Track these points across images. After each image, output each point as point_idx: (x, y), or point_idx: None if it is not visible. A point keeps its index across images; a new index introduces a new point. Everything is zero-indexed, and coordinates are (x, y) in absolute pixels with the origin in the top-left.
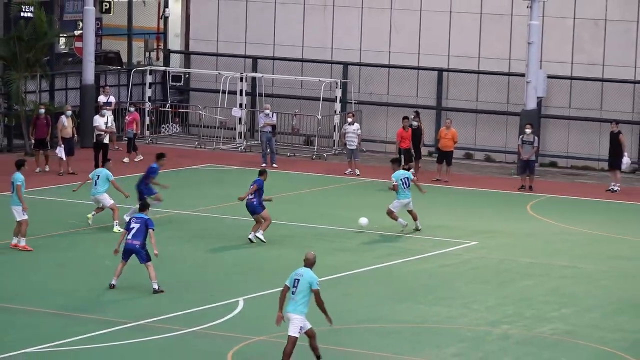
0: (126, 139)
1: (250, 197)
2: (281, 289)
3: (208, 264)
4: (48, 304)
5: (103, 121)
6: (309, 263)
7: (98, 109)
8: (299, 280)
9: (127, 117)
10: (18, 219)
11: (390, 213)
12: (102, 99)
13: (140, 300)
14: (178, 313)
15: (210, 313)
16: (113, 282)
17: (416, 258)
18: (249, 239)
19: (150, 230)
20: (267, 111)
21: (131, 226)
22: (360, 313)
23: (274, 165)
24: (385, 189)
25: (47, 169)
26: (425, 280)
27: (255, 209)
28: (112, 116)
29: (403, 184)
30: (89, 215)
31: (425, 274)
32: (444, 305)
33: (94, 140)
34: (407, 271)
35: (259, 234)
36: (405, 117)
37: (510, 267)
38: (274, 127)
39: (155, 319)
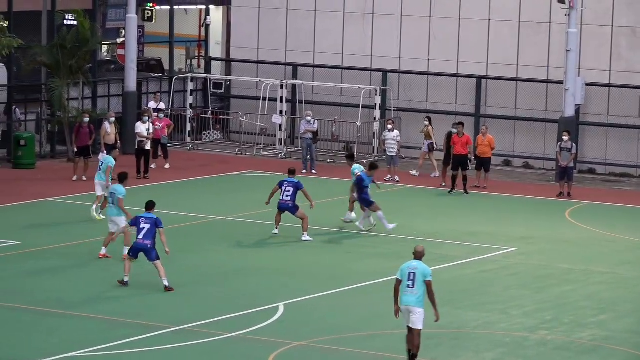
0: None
1: (286, 198)
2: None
3: (248, 269)
4: (92, 308)
5: (145, 127)
6: (420, 255)
7: (140, 115)
8: (414, 273)
9: (158, 123)
10: (112, 230)
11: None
12: (152, 105)
13: (182, 304)
14: (219, 318)
15: (251, 318)
16: (125, 279)
17: (455, 264)
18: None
19: (160, 229)
20: (309, 118)
21: (141, 226)
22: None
23: (313, 171)
24: (424, 195)
25: (84, 178)
26: (464, 286)
27: (290, 210)
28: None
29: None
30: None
31: (464, 280)
32: (483, 310)
33: (136, 147)
34: (446, 277)
35: (305, 237)
36: (460, 123)
37: (549, 273)
38: (315, 133)
39: (196, 323)
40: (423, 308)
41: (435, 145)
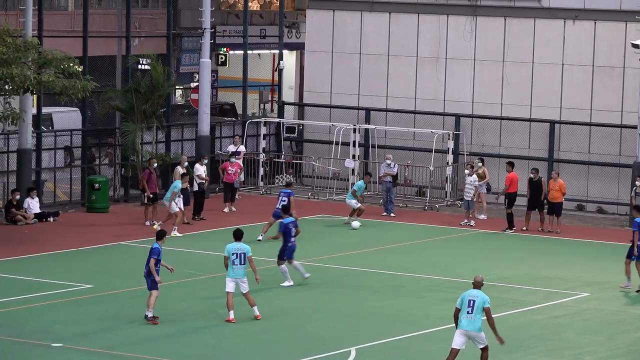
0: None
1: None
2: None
3: (320, 312)
4: (161, 351)
5: (203, 170)
6: (479, 285)
7: (200, 159)
8: (474, 300)
9: (231, 168)
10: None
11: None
12: (231, 148)
13: (254, 349)
14: None
15: None
16: (148, 314)
17: (527, 309)
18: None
19: (152, 259)
20: (389, 161)
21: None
22: None
23: (392, 215)
24: (498, 239)
25: (154, 222)
26: (537, 331)
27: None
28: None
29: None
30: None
31: (537, 325)
32: (555, 356)
33: (197, 189)
34: (518, 322)
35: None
36: (509, 162)
37: (623, 318)
38: (395, 177)
39: None
40: (482, 332)
41: (490, 186)
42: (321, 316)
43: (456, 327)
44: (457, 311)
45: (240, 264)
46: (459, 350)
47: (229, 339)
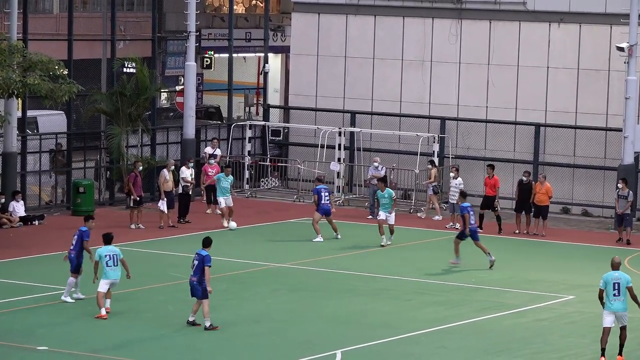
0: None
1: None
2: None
3: (305, 315)
4: (137, 353)
5: (189, 173)
6: (617, 266)
7: (186, 162)
8: (618, 282)
9: (211, 170)
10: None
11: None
12: (208, 150)
13: (239, 352)
14: None
15: None
16: (190, 318)
17: (512, 312)
18: None
19: (206, 267)
20: (376, 164)
21: (194, 261)
22: None
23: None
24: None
25: (141, 226)
26: (521, 334)
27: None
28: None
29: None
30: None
31: (522, 328)
32: (540, 359)
33: (181, 191)
34: (503, 325)
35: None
36: (490, 165)
37: None
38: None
39: None
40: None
41: (438, 188)
42: (306, 319)
43: (603, 308)
44: (601, 292)
45: (114, 265)
46: (611, 327)
47: (214, 343)
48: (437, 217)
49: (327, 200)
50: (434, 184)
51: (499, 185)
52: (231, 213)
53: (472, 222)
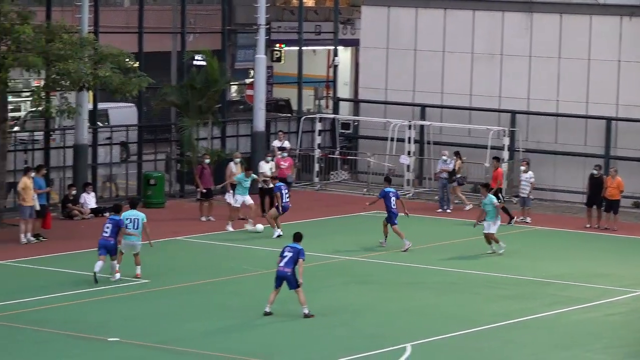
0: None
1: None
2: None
3: (375, 309)
4: (215, 345)
5: (268, 167)
6: None
7: (264, 155)
8: None
9: (283, 163)
10: None
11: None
12: (276, 143)
13: (309, 344)
14: (347, 358)
15: (379, 358)
16: (267, 309)
17: (583, 307)
18: None
19: (300, 260)
20: (445, 157)
21: (284, 254)
22: None
23: (448, 210)
24: (555, 236)
25: (211, 218)
26: (592, 329)
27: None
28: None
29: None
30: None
31: (592, 323)
32: (611, 354)
33: (260, 187)
34: (573, 320)
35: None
36: (495, 158)
37: None
38: (451, 173)
39: None
40: None
41: (463, 180)
42: (376, 312)
43: None
44: None
45: (134, 228)
46: None
47: (282, 335)
48: (468, 207)
49: (288, 199)
50: (460, 174)
51: (500, 178)
52: (252, 214)
53: (393, 205)
